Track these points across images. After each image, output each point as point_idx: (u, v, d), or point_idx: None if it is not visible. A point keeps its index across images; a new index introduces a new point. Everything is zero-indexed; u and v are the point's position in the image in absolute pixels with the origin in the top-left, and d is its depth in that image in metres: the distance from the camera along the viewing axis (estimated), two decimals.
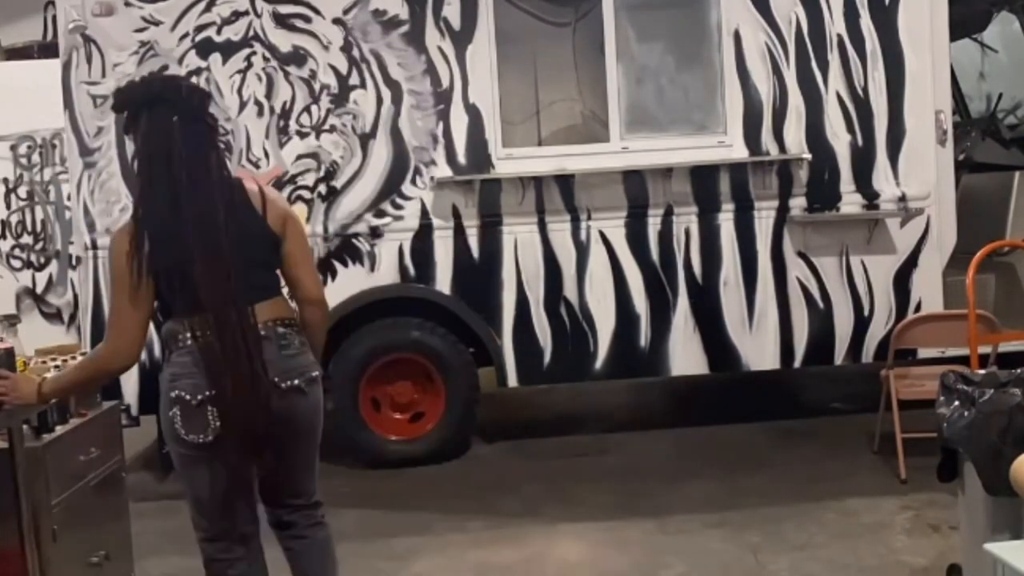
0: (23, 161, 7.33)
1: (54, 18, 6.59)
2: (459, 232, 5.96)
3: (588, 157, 5.97)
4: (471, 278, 5.98)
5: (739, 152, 6.00)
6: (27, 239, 7.37)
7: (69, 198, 6.36)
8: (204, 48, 5.82)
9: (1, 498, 3.47)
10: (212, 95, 3.50)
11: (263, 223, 3.21)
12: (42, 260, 7.36)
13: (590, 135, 6.09)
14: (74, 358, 4.00)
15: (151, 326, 3.15)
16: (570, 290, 6.01)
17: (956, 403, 3.51)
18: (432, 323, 6.02)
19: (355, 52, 5.87)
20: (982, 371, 3.88)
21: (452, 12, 5.90)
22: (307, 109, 5.86)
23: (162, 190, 3.10)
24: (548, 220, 5.98)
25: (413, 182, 5.92)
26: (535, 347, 6.02)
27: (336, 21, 5.86)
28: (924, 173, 6.02)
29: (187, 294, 3.06)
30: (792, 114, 6.00)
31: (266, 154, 5.85)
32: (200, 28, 5.81)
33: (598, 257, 6.01)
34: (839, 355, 6.12)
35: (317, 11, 5.85)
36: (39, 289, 7.35)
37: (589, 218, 5.99)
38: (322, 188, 5.88)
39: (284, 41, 5.85)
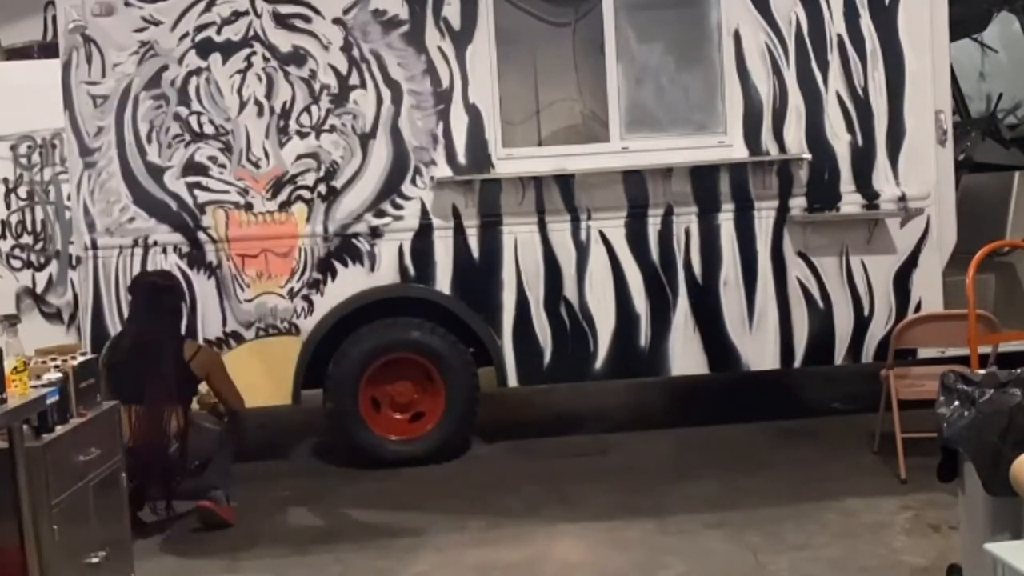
0: (23, 161, 7.32)
1: (54, 18, 6.58)
2: (459, 232, 5.96)
3: (588, 157, 5.97)
4: (471, 278, 5.98)
5: (739, 152, 6.00)
6: (27, 239, 7.36)
7: (69, 198, 6.35)
8: (204, 48, 5.82)
9: (1, 498, 3.47)
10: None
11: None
12: (42, 260, 7.36)
13: (590, 135, 6.09)
14: (74, 358, 4.01)
15: None
16: (570, 290, 6.01)
17: (956, 403, 3.51)
18: (432, 323, 6.02)
19: (355, 52, 5.87)
20: (982, 371, 3.89)
21: (452, 12, 5.90)
22: (307, 109, 5.86)
23: None
24: (548, 220, 5.98)
25: (413, 182, 5.93)
26: (535, 347, 6.02)
27: (336, 21, 5.86)
28: (924, 173, 6.02)
29: None
30: (792, 114, 6.01)
31: (266, 154, 5.84)
32: (200, 28, 5.81)
33: (598, 257, 6.01)
34: (839, 355, 6.12)
35: (317, 11, 5.85)
36: (39, 289, 7.34)
37: (589, 218, 5.99)
38: (322, 188, 5.88)
39: (284, 41, 5.85)
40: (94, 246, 5.84)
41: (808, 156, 5.98)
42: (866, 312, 6.09)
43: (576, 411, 7.30)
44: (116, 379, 4.91)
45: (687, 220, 6.02)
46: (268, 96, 5.85)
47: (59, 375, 3.80)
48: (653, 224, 6.01)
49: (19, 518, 3.47)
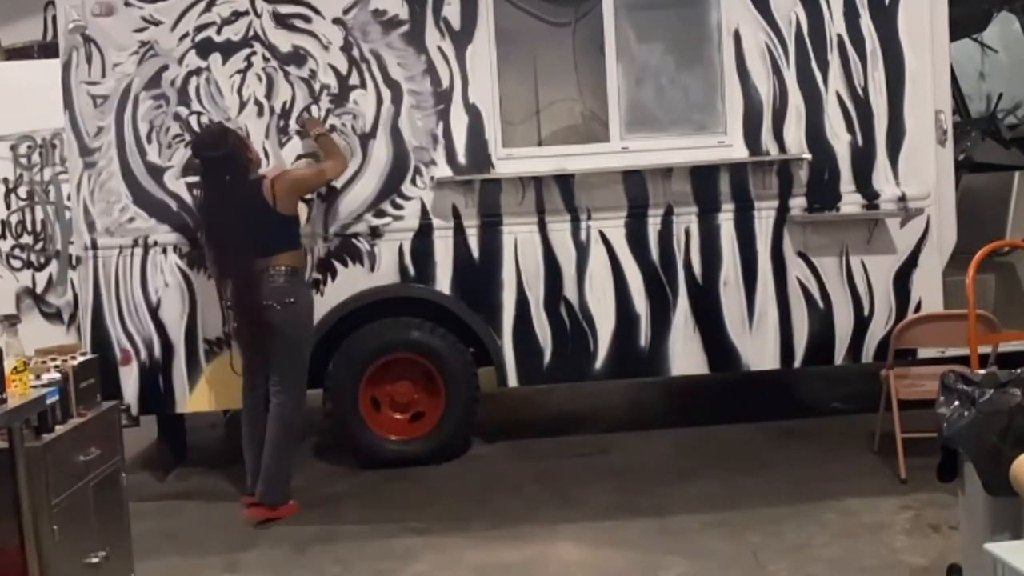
0: (23, 161, 7.32)
1: (54, 18, 6.58)
2: (459, 232, 5.96)
3: (588, 157, 5.97)
4: (471, 278, 5.98)
5: (739, 152, 6.00)
6: (27, 239, 7.35)
7: (69, 198, 6.35)
8: (204, 48, 5.82)
9: (1, 498, 3.47)
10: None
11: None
12: (42, 260, 7.35)
13: (590, 135, 6.09)
14: (74, 358, 4.01)
15: None
16: (570, 290, 6.01)
17: (956, 403, 3.51)
18: (432, 323, 6.02)
19: (355, 52, 5.87)
20: (982, 371, 3.89)
21: (452, 12, 5.90)
22: (307, 109, 5.86)
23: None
24: (548, 220, 5.98)
25: (413, 182, 5.92)
26: (535, 347, 6.02)
27: (336, 21, 5.86)
28: (924, 173, 6.02)
29: None
30: (792, 114, 6.00)
31: (266, 154, 5.84)
32: (200, 28, 5.81)
33: (598, 257, 6.01)
34: (839, 355, 6.12)
35: (317, 11, 5.85)
36: (39, 289, 7.34)
37: (589, 218, 5.99)
38: (322, 188, 5.87)
39: (284, 41, 5.85)
40: (94, 246, 5.84)
41: (808, 156, 5.97)
42: (866, 312, 6.09)
43: (576, 411, 7.30)
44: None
45: (687, 220, 6.02)
46: (268, 96, 5.85)
47: (59, 375, 3.80)
48: (653, 224, 6.01)
49: (19, 518, 3.47)
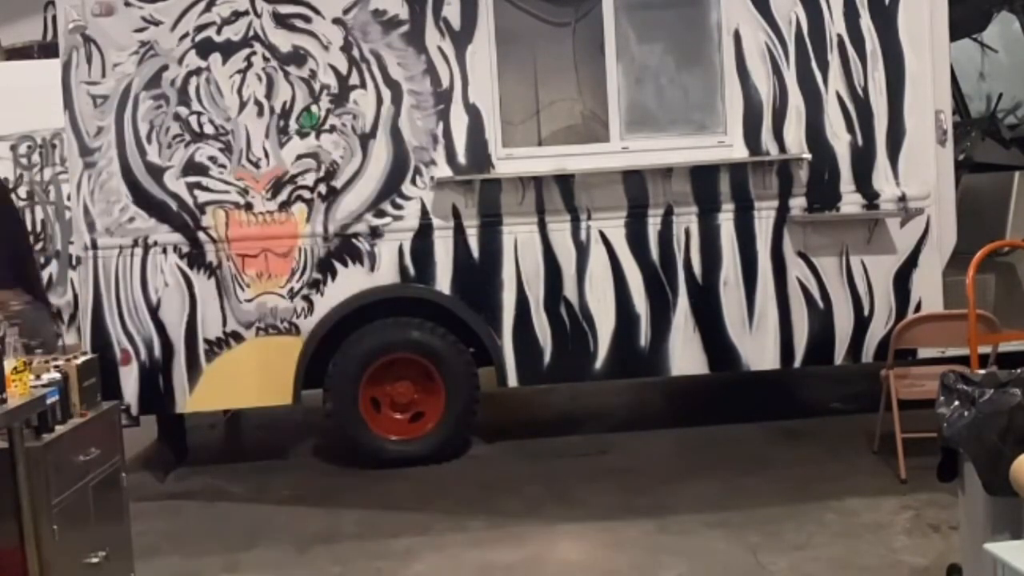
0: (23, 161, 7.33)
1: (54, 18, 6.59)
2: (459, 232, 5.96)
3: (588, 157, 5.97)
4: (471, 278, 5.98)
5: (739, 152, 6.00)
6: None
7: (69, 198, 6.35)
8: (204, 48, 5.82)
9: (1, 498, 3.47)
10: None
11: None
12: (42, 260, 7.36)
13: (590, 135, 6.09)
14: (74, 358, 4.00)
15: None
16: (570, 290, 6.01)
17: (956, 403, 3.51)
18: (432, 323, 6.02)
19: (355, 52, 5.87)
20: (982, 371, 3.89)
21: (452, 12, 5.90)
22: (307, 109, 5.86)
23: None
24: (548, 220, 5.98)
25: (413, 182, 5.92)
26: (535, 347, 6.02)
27: (336, 21, 5.86)
28: (924, 173, 6.02)
29: None
30: (792, 114, 6.00)
31: (266, 154, 5.84)
32: (200, 28, 5.81)
33: (598, 257, 6.01)
34: (839, 355, 6.12)
35: (317, 11, 5.85)
36: None
37: (589, 218, 5.99)
38: (322, 188, 5.87)
39: (284, 41, 5.85)
40: (94, 246, 5.84)
41: (808, 156, 5.98)
42: (866, 312, 6.09)
43: (576, 411, 7.30)
44: None
45: (687, 220, 6.02)
46: (268, 96, 5.85)
47: (59, 375, 3.80)
48: (653, 224, 6.01)
49: (19, 518, 3.47)
